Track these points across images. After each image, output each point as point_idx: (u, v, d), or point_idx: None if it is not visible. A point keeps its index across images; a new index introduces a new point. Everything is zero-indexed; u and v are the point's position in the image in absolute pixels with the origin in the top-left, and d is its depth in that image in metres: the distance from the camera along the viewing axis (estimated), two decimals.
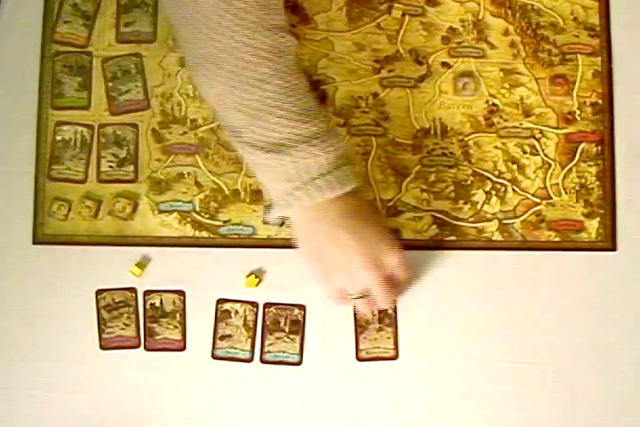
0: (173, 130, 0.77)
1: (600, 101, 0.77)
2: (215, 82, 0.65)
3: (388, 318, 0.75)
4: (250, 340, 0.75)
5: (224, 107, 0.65)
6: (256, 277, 0.75)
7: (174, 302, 0.76)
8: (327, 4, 0.78)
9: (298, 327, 0.75)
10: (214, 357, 0.75)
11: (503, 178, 0.76)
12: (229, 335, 0.76)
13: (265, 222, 0.75)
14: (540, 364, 0.74)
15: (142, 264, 0.76)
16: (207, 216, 0.77)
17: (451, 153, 0.77)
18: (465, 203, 0.76)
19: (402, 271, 0.70)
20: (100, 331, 0.76)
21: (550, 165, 0.76)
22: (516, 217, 0.76)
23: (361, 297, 0.70)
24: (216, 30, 0.63)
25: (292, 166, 0.64)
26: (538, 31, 0.77)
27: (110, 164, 0.77)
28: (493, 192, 0.76)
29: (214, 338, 0.76)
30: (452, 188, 0.76)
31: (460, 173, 0.77)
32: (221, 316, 0.76)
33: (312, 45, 0.77)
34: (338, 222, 0.67)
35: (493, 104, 0.77)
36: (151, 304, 0.76)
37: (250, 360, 0.75)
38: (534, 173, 0.76)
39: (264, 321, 0.76)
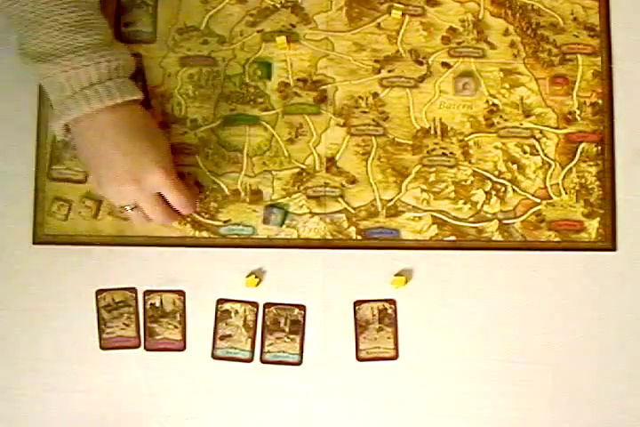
0: (173, 130, 0.77)
1: (600, 101, 0.77)
2: None
3: (388, 318, 0.75)
4: (250, 340, 0.75)
5: (8, 18, 0.68)
6: (256, 277, 0.75)
7: (174, 302, 0.76)
8: (327, 4, 0.78)
9: (298, 327, 0.75)
10: (214, 357, 0.75)
11: (503, 178, 0.76)
12: (229, 335, 0.76)
13: (57, 138, 0.74)
14: (540, 364, 0.75)
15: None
16: (207, 216, 0.77)
17: (451, 153, 0.77)
18: (465, 203, 0.76)
19: (167, 192, 0.70)
20: (100, 331, 0.76)
21: (550, 165, 0.76)
22: (516, 217, 0.76)
23: (132, 209, 0.71)
24: None
25: (62, 76, 0.67)
26: (538, 31, 0.77)
27: None
28: (493, 192, 0.76)
29: (214, 338, 0.76)
30: (452, 188, 0.76)
31: (459, 173, 0.77)
32: (221, 316, 0.76)
33: (312, 45, 0.77)
34: (105, 135, 0.68)
35: (493, 104, 0.77)
36: (151, 304, 0.76)
37: (250, 360, 0.75)
38: (534, 173, 0.76)
39: (264, 321, 0.76)
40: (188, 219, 0.76)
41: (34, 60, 0.67)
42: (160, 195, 0.71)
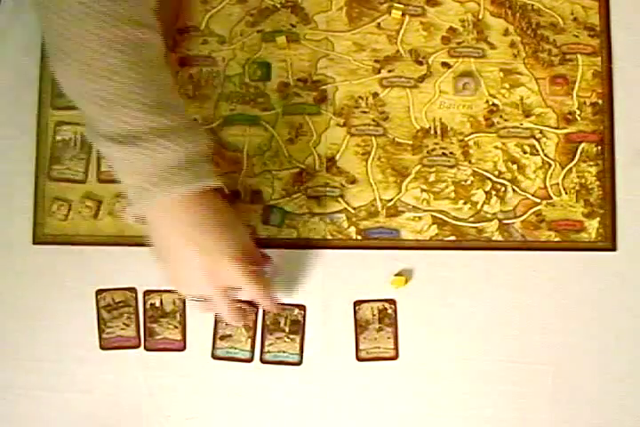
0: None
1: (600, 101, 0.77)
2: (68, 72, 0.64)
3: (388, 318, 0.75)
4: (250, 340, 0.75)
5: (79, 97, 0.64)
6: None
7: (174, 302, 0.76)
8: (327, 4, 0.78)
9: (298, 327, 0.75)
10: (214, 357, 0.75)
11: (503, 178, 0.76)
12: (229, 335, 0.76)
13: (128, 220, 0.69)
14: (540, 364, 0.74)
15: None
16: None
17: (451, 153, 0.77)
18: (465, 203, 0.76)
19: (246, 286, 0.67)
20: (100, 331, 0.76)
21: (550, 165, 0.76)
22: (516, 217, 0.76)
23: (202, 300, 0.69)
24: (69, 20, 0.62)
25: (142, 159, 0.63)
26: (538, 31, 0.77)
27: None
28: (493, 192, 0.76)
29: (214, 338, 0.76)
30: (452, 188, 0.76)
31: (459, 173, 0.77)
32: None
33: (312, 45, 0.78)
34: (177, 226, 0.65)
35: (493, 104, 0.77)
36: (151, 304, 0.76)
37: (250, 360, 0.75)
38: (534, 173, 0.76)
39: (264, 321, 0.76)
40: None
41: (110, 142, 0.63)
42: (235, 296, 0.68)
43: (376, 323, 0.75)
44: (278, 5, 0.78)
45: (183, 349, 0.76)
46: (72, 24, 0.62)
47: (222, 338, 0.75)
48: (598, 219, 0.76)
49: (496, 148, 0.77)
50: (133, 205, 0.65)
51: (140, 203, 0.64)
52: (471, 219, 0.76)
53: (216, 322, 0.76)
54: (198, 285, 0.66)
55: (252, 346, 0.75)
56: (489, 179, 0.76)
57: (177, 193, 0.63)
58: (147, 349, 0.76)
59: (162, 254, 0.67)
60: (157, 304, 0.76)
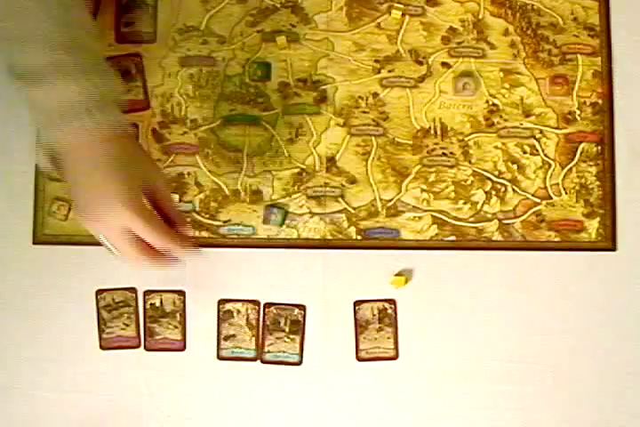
0: (173, 130, 0.77)
1: (600, 101, 0.77)
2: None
3: (388, 318, 0.75)
4: (254, 338, 0.75)
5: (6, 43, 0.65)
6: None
7: (174, 302, 0.76)
8: (327, 4, 0.78)
9: (298, 327, 0.75)
10: (220, 357, 0.75)
11: (503, 178, 0.76)
12: (233, 335, 0.76)
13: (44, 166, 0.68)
14: (540, 364, 0.75)
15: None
16: (207, 216, 0.77)
17: (451, 153, 0.77)
18: (465, 203, 0.76)
19: (139, 231, 0.65)
20: (100, 331, 0.76)
21: (550, 165, 0.76)
22: (516, 217, 0.76)
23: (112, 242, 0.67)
24: None
25: (47, 96, 0.63)
26: (538, 31, 0.77)
27: None
28: (493, 192, 0.76)
29: (218, 339, 0.75)
30: (452, 188, 0.76)
31: (459, 173, 0.77)
32: (224, 316, 0.76)
33: (312, 45, 0.77)
34: (86, 164, 0.64)
35: (493, 104, 0.77)
36: (151, 304, 0.76)
37: (255, 359, 0.75)
38: (534, 173, 0.76)
39: (264, 321, 0.76)
40: (188, 219, 0.76)
41: (20, 81, 0.64)
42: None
43: (376, 323, 0.75)
44: (278, 5, 0.78)
45: (183, 349, 0.76)
46: None
47: (226, 338, 0.75)
48: (598, 219, 0.76)
49: (496, 148, 0.77)
50: (42, 144, 0.66)
51: (47, 141, 0.65)
52: (471, 219, 0.76)
53: (219, 323, 0.76)
54: (103, 224, 0.65)
55: (257, 344, 0.75)
56: (489, 179, 0.76)
57: (79, 132, 0.63)
58: (147, 349, 0.76)
59: (72, 192, 0.66)
60: (157, 304, 0.76)
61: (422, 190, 0.76)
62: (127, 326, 0.76)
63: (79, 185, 0.65)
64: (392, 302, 0.75)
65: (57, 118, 0.64)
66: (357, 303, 0.75)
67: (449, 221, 0.76)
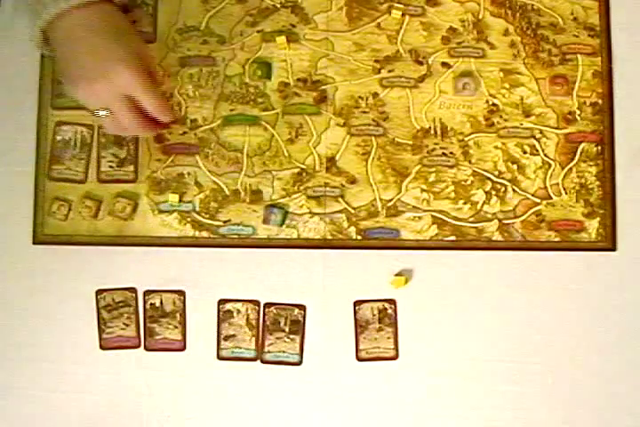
0: (173, 130, 0.77)
1: (600, 101, 0.77)
2: None
3: (388, 318, 0.75)
4: (254, 338, 0.75)
5: None
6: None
7: (174, 302, 0.76)
8: (327, 4, 0.78)
9: (298, 327, 0.75)
10: (220, 357, 0.75)
11: (503, 178, 0.76)
12: (233, 335, 0.76)
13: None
14: (540, 364, 0.74)
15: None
16: (207, 216, 0.77)
17: (451, 153, 0.77)
18: (465, 203, 0.76)
19: (137, 94, 0.67)
20: (100, 331, 0.76)
21: (550, 165, 0.76)
22: (516, 217, 0.76)
23: (106, 114, 0.68)
24: None
25: None
26: (538, 31, 0.77)
27: (110, 164, 0.78)
28: (493, 192, 0.76)
29: (218, 338, 0.75)
30: (452, 188, 0.76)
31: (459, 173, 0.77)
32: (224, 316, 0.76)
33: (312, 45, 0.77)
34: (75, 34, 0.66)
35: (493, 104, 0.77)
36: (151, 304, 0.76)
37: (255, 359, 0.75)
38: (534, 173, 0.76)
39: (264, 321, 0.76)
40: (188, 219, 0.76)
41: None
42: (135, 103, 0.68)
43: (376, 323, 0.75)
44: (278, 5, 0.78)
45: (183, 349, 0.76)
46: None
47: (226, 338, 0.75)
48: (598, 219, 0.76)
49: (496, 148, 0.77)
50: (35, 25, 0.67)
51: (39, 19, 0.66)
52: (471, 219, 0.76)
53: (219, 323, 0.76)
54: (99, 93, 0.66)
55: (257, 344, 0.75)
56: (489, 179, 0.76)
57: (67, 4, 0.65)
58: (147, 349, 0.76)
59: (64, 68, 0.68)
60: (157, 304, 0.76)
61: (422, 190, 0.76)
62: (127, 326, 0.76)
63: (76, 56, 0.67)
64: (392, 302, 0.75)
65: None
66: (357, 303, 0.75)
67: (449, 221, 0.76)
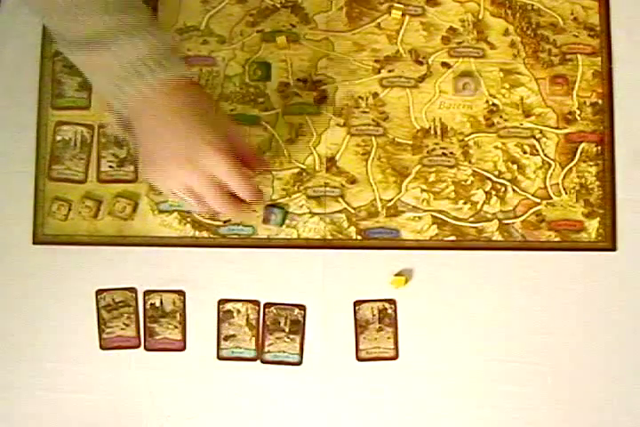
0: None
1: (600, 101, 0.77)
2: None
3: (388, 318, 0.75)
4: (254, 338, 0.75)
5: (43, 8, 0.65)
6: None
7: (174, 302, 0.76)
8: (327, 4, 0.78)
9: (298, 327, 0.75)
10: (220, 357, 0.75)
11: (503, 178, 0.76)
12: (233, 335, 0.76)
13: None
14: (540, 364, 0.74)
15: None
16: (207, 216, 0.77)
17: (451, 153, 0.77)
18: (465, 203, 0.76)
19: (224, 174, 0.65)
20: (100, 331, 0.76)
21: (550, 165, 0.76)
22: (516, 217, 0.76)
23: (191, 195, 0.66)
24: None
25: (111, 57, 0.63)
26: (538, 31, 0.77)
27: (110, 164, 0.78)
28: (493, 192, 0.76)
29: (218, 338, 0.75)
30: (452, 188, 0.76)
31: (459, 173, 0.77)
32: (224, 316, 0.76)
33: (312, 45, 0.78)
34: (159, 115, 0.64)
35: (493, 104, 0.77)
36: (151, 304, 0.76)
37: (255, 359, 0.75)
38: (534, 173, 0.76)
39: (264, 321, 0.76)
40: (188, 219, 0.76)
41: (77, 48, 0.64)
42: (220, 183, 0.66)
43: (376, 323, 0.75)
44: (278, 5, 0.78)
45: (183, 349, 0.76)
46: None
47: (226, 338, 0.75)
48: (598, 219, 0.76)
49: (496, 148, 0.77)
50: (113, 105, 0.65)
51: (118, 99, 0.65)
52: (471, 219, 0.76)
53: (219, 323, 0.76)
54: (182, 174, 0.65)
55: (257, 344, 0.75)
56: (489, 179, 0.76)
57: (149, 85, 0.64)
58: (147, 349, 0.76)
59: (145, 150, 0.66)
60: (157, 304, 0.76)
61: (422, 190, 0.76)
62: (127, 326, 0.76)
63: (159, 140, 0.65)
64: (392, 302, 0.75)
65: (130, 76, 0.63)
66: (357, 303, 0.75)
67: (449, 221, 0.76)
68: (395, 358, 0.75)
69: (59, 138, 0.78)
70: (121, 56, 0.63)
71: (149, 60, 0.64)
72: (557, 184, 0.76)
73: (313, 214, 0.76)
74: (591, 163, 0.76)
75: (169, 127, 0.64)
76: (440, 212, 0.76)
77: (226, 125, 0.67)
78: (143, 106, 0.64)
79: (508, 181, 0.76)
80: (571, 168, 0.76)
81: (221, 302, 0.76)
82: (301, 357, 0.75)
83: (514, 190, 0.76)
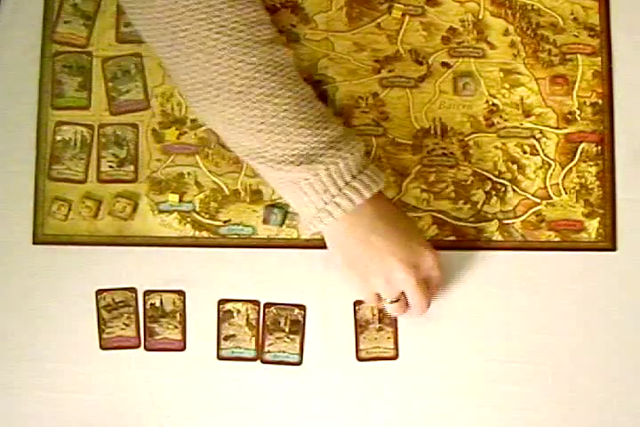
0: (172, 130, 0.77)
1: (600, 101, 0.77)
2: (223, 106, 0.63)
3: (388, 318, 0.75)
4: (254, 338, 0.75)
5: (238, 130, 0.64)
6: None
7: (174, 302, 0.76)
8: (327, 4, 0.78)
9: (298, 327, 0.75)
10: (220, 357, 0.75)
11: (503, 178, 0.76)
12: (233, 335, 0.76)
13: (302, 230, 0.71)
14: (540, 364, 0.74)
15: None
16: (207, 216, 0.77)
17: (451, 153, 0.77)
18: (465, 203, 0.76)
19: (437, 272, 0.69)
20: (100, 331, 0.76)
21: (550, 165, 0.76)
22: (516, 217, 0.76)
23: (396, 301, 0.69)
24: (214, 53, 0.62)
25: (325, 174, 0.63)
26: (538, 31, 0.77)
27: (110, 164, 0.78)
28: (493, 192, 0.76)
29: (218, 339, 0.75)
30: (452, 188, 0.76)
31: (459, 173, 0.77)
32: (224, 316, 0.76)
33: (312, 45, 0.77)
34: (371, 226, 0.65)
35: (493, 104, 0.77)
36: (151, 304, 0.76)
37: (255, 359, 0.75)
38: (534, 173, 0.76)
39: (264, 321, 0.76)
40: (188, 219, 0.77)
41: (289, 166, 0.63)
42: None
43: (376, 323, 0.75)
44: (278, 5, 0.78)
45: (183, 349, 0.76)
46: (222, 58, 0.61)
47: (226, 338, 0.75)
48: (598, 219, 0.76)
49: (496, 148, 0.77)
50: (317, 221, 0.65)
51: (327, 217, 0.64)
52: (471, 219, 0.76)
53: (219, 323, 0.76)
54: (398, 280, 0.67)
55: (257, 344, 0.75)
56: (489, 179, 0.76)
57: (361, 199, 0.64)
58: (147, 349, 0.76)
59: (347, 262, 0.68)
60: (157, 304, 0.76)
61: (422, 190, 0.76)
62: (127, 326, 0.76)
63: (369, 249, 0.66)
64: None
65: (336, 191, 0.64)
66: (357, 303, 0.75)
67: (449, 221, 0.76)
68: (395, 358, 0.75)
69: (59, 138, 0.78)
70: (332, 171, 0.63)
71: (359, 175, 0.64)
72: (557, 184, 0.76)
73: None
74: (591, 163, 0.76)
75: (378, 235, 0.65)
76: (440, 212, 0.76)
77: (415, 237, 0.69)
78: (353, 220, 0.65)
79: (508, 181, 0.76)
80: (571, 168, 0.76)
81: (221, 302, 0.76)
82: (301, 357, 0.75)
83: (514, 190, 0.76)
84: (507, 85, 0.77)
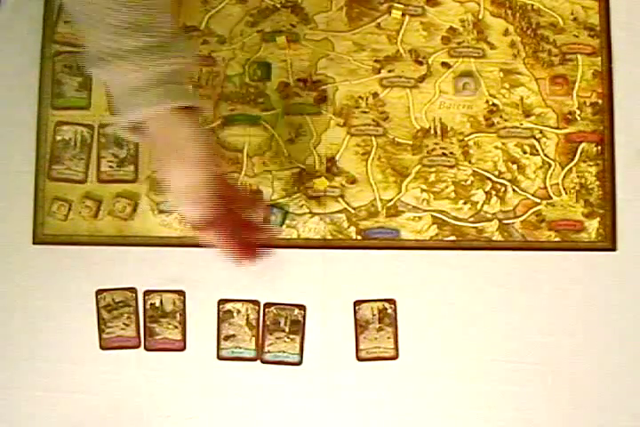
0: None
1: (600, 101, 0.77)
2: None
3: (388, 318, 0.75)
4: (254, 338, 0.75)
5: (82, 21, 0.64)
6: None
7: (174, 302, 0.76)
8: (327, 4, 0.78)
9: (298, 327, 0.75)
10: (220, 357, 0.75)
11: (503, 178, 0.76)
12: (233, 335, 0.76)
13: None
14: (540, 364, 0.74)
15: None
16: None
17: (451, 153, 0.77)
18: (465, 203, 0.76)
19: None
20: (100, 331, 0.76)
21: (550, 165, 0.76)
22: (516, 217, 0.76)
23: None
24: None
25: (111, 79, 0.63)
26: (538, 31, 0.77)
27: (110, 164, 0.78)
28: (493, 192, 0.76)
29: (218, 338, 0.75)
30: (452, 188, 0.76)
31: (459, 173, 0.77)
32: (224, 316, 0.76)
33: (312, 45, 0.77)
34: (161, 139, 0.64)
35: (493, 104, 0.77)
36: (151, 304, 0.76)
37: (255, 359, 0.75)
38: (534, 173, 0.76)
39: (264, 321, 0.76)
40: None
41: (90, 63, 0.63)
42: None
43: (376, 323, 0.75)
44: (278, 5, 0.78)
45: (183, 349, 0.76)
46: None
47: (226, 338, 0.76)
48: (598, 219, 0.76)
49: (496, 148, 0.77)
50: (123, 116, 0.65)
51: (121, 117, 0.64)
52: (471, 219, 0.76)
53: (219, 323, 0.76)
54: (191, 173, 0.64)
55: (257, 344, 0.75)
56: (489, 179, 0.76)
57: (139, 115, 0.63)
58: (147, 349, 0.76)
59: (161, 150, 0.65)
60: (157, 304, 0.76)
61: (422, 190, 0.76)
62: (127, 326, 0.76)
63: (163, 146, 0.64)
64: (392, 301, 0.75)
65: (120, 99, 0.63)
66: (357, 303, 0.75)
67: (449, 221, 0.76)
68: (395, 358, 0.75)
69: (59, 138, 0.78)
70: (116, 79, 0.63)
71: (142, 89, 0.63)
72: (557, 184, 0.76)
73: (313, 214, 0.76)
74: (591, 163, 0.76)
75: (170, 138, 0.63)
76: (440, 212, 0.76)
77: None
78: (147, 125, 0.64)
79: (508, 181, 0.76)
80: (571, 168, 0.76)
81: (221, 302, 0.76)
82: (301, 357, 0.75)
83: (514, 190, 0.76)
84: (507, 85, 0.77)
